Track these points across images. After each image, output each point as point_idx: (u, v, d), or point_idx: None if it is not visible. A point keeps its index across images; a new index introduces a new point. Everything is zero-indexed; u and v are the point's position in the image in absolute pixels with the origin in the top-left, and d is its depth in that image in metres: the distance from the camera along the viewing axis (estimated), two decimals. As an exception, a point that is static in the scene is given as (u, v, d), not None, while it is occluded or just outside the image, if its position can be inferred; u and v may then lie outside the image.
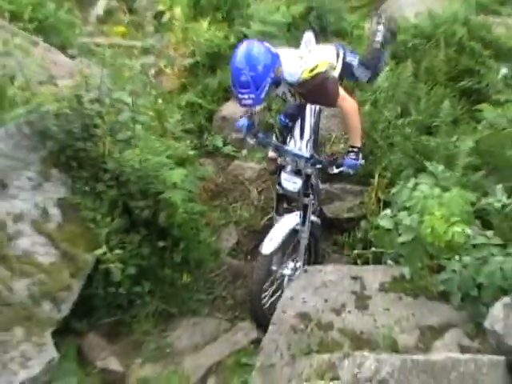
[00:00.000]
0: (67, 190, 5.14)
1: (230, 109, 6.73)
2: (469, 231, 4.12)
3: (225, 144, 6.64)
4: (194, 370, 4.92)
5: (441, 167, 4.44)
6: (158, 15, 7.99)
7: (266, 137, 5.37)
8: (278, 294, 5.25)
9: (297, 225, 5.23)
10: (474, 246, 4.31)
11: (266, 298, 5.24)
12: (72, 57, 6.82)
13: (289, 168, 5.30)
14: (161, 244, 5.30)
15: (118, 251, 4.93)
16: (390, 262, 4.85)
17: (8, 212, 4.80)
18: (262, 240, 5.85)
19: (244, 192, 6.37)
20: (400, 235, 4.35)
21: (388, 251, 4.86)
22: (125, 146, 5.18)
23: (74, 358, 4.86)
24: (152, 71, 7.43)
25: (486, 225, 4.82)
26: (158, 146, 5.28)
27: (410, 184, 4.34)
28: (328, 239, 5.89)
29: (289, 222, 5.20)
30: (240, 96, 4.64)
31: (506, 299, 3.44)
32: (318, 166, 5.20)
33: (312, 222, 5.31)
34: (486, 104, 5.69)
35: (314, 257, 5.52)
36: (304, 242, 5.39)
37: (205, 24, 7.23)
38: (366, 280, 4.66)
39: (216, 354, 5.05)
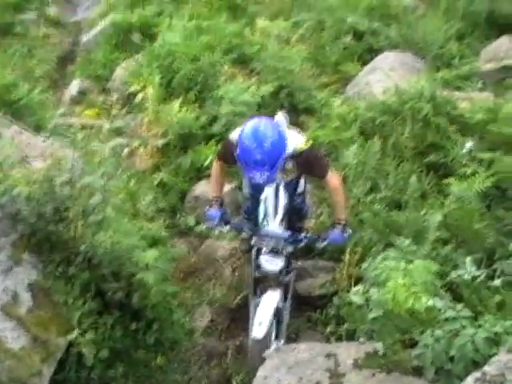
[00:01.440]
0: (38, 274, 5.15)
1: (203, 188, 6.84)
2: (431, 302, 4.23)
3: (197, 223, 6.72)
4: None
5: (407, 241, 4.55)
6: (131, 96, 8.15)
7: (238, 223, 5.51)
8: None
9: (279, 303, 5.27)
10: (446, 319, 4.39)
11: None
12: (45, 138, 6.93)
13: (266, 249, 5.32)
14: (134, 326, 5.30)
15: (90, 334, 4.94)
16: (362, 338, 4.92)
17: (-14, 294, 4.81)
18: (235, 319, 5.96)
19: (217, 271, 6.42)
20: (371, 311, 4.44)
21: (361, 327, 4.92)
22: (97, 229, 5.23)
23: None
24: (125, 151, 7.58)
25: (457, 297, 4.96)
26: (130, 227, 5.36)
27: (378, 259, 4.45)
28: (301, 316, 5.92)
29: (271, 301, 5.21)
30: (254, 172, 4.75)
31: (476, 373, 3.50)
32: (302, 243, 5.33)
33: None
34: (452, 178, 5.86)
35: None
36: (286, 319, 5.47)
37: (176, 105, 7.40)
38: (340, 357, 4.69)
39: None
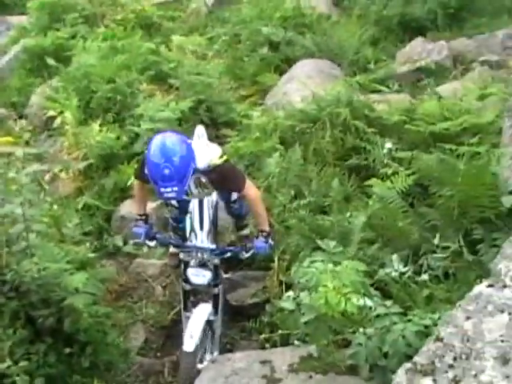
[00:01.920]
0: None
1: (128, 208, 6.80)
2: (362, 301, 4.30)
3: (125, 243, 6.68)
4: None
5: (332, 243, 4.63)
6: (49, 121, 8.07)
7: (164, 237, 5.52)
8: None
9: (209, 315, 5.29)
10: (376, 316, 4.48)
11: None
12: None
13: (193, 262, 5.35)
14: (67, 351, 5.23)
15: (22, 363, 4.83)
16: (296, 342, 4.98)
17: None
18: (170, 336, 5.94)
19: (148, 289, 6.39)
20: (303, 315, 4.49)
21: (294, 332, 4.98)
22: (22, 257, 5.16)
23: None
24: (47, 177, 7.50)
25: (387, 295, 5.06)
26: (56, 252, 5.29)
27: (306, 263, 4.51)
28: (235, 327, 5.95)
29: (202, 314, 5.22)
30: (162, 190, 4.66)
31: (407, 364, 3.56)
32: (227, 254, 5.35)
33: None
34: (374, 179, 5.99)
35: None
36: (218, 331, 5.50)
37: (96, 126, 7.37)
38: (276, 363, 4.74)
39: None
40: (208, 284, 5.33)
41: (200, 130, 6.56)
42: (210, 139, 7.44)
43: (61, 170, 7.35)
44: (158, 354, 5.97)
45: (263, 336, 5.46)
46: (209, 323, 5.30)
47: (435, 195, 5.67)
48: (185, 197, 5.13)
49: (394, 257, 5.14)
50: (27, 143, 8.42)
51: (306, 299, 4.39)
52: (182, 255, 5.41)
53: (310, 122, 6.85)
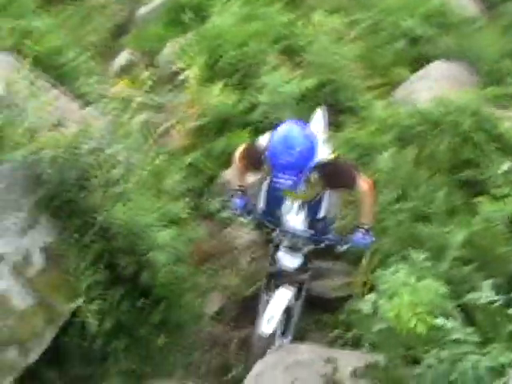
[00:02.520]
0: (54, 238, 5.11)
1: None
2: (439, 321, 4.07)
3: (221, 209, 6.59)
4: None
5: (422, 256, 4.36)
6: (176, 73, 8.04)
7: (261, 214, 5.37)
8: None
9: (290, 301, 5.15)
10: (453, 341, 4.21)
11: None
12: (85, 105, 6.88)
13: (285, 245, 5.21)
14: (141, 302, 5.24)
15: (95, 305, 4.87)
16: (367, 347, 4.75)
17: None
18: (245, 310, 5.83)
19: (233, 259, 6.29)
20: (377, 322, 4.28)
21: (366, 336, 4.76)
22: (115, 202, 5.16)
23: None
24: (161, 128, 7.49)
25: (470, 321, 4.75)
26: (149, 204, 5.26)
27: (392, 269, 4.28)
28: (311, 317, 5.76)
29: (283, 298, 5.10)
30: (281, 176, 4.69)
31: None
32: (324, 243, 5.20)
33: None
34: (484, 197, 5.64)
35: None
36: (296, 318, 5.34)
37: (218, 87, 7.28)
38: (340, 364, 4.56)
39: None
40: (296, 269, 5.19)
41: (320, 112, 6.35)
42: (330, 122, 7.34)
43: (176, 124, 7.31)
44: (230, 325, 5.89)
45: (336, 333, 5.26)
46: (288, 308, 5.17)
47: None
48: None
49: (487, 282, 4.76)
50: (151, 92, 8.52)
51: (383, 307, 4.18)
52: (274, 236, 5.28)
53: (431, 125, 6.51)
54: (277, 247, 5.25)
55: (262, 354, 4.88)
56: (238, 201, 5.28)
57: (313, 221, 5.38)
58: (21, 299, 4.73)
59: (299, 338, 5.58)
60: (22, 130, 5.25)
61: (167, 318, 5.44)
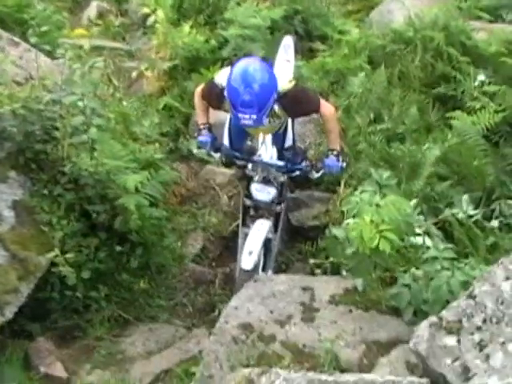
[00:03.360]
0: (24, 193, 5.00)
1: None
2: (411, 240, 4.04)
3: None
4: (142, 377, 4.74)
5: (386, 174, 4.18)
6: (145, 18, 7.80)
7: (229, 149, 5.18)
8: None
9: (268, 233, 5.01)
10: (427, 259, 4.07)
11: None
12: (55, 58, 6.69)
13: (258, 178, 5.05)
14: (118, 249, 5.14)
15: (71, 255, 4.75)
16: (345, 273, 4.62)
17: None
18: (228, 247, 5.71)
19: (214, 197, 6.16)
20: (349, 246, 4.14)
21: (343, 262, 4.63)
22: (81, 150, 5.01)
23: (18, 363, 4.70)
24: (133, 74, 7.30)
25: (450, 236, 4.61)
26: (117, 149, 5.09)
27: (357, 192, 4.12)
28: (293, 247, 5.66)
29: (261, 231, 4.93)
30: (240, 115, 4.44)
31: (432, 318, 3.17)
32: (295, 173, 5.04)
33: None
34: (459, 111, 5.42)
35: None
36: (275, 250, 5.23)
37: (186, 27, 7.03)
38: (317, 291, 4.43)
39: (166, 361, 4.87)
40: (271, 201, 5.04)
41: (287, 41, 6.13)
42: (302, 51, 7.11)
43: (147, 69, 7.10)
44: (213, 264, 5.80)
45: (313, 261, 5.13)
46: (266, 241, 5.02)
47: (525, 136, 5.14)
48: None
49: (465, 197, 4.61)
50: (123, 39, 8.31)
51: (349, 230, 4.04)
52: (247, 169, 5.12)
53: (402, 44, 6.26)
54: (250, 181, 5.09)
55: None
56: (204, 138, 5.08)
57: (281, 151, 5.22)
58: (1, 254, 4.65)
59: (284, 269, 5.52)
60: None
61: (147, 261, 5.37)
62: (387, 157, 5.29)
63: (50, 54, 6.58)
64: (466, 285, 3.71)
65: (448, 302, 3.62)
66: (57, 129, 5.03)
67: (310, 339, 4.08)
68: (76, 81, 4.93)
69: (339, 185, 5.59)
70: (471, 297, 3.09)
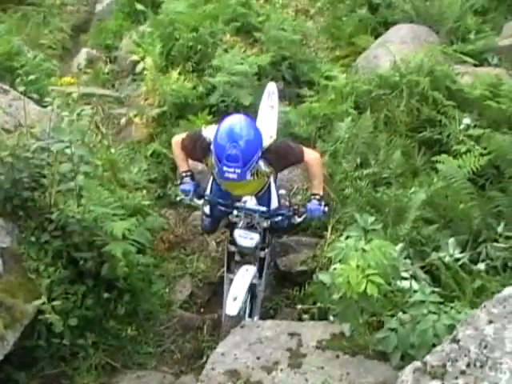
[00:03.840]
0: (12, 240, 5.01)
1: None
2: (397, 284, 4.06)
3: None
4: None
5: (371, 219, 4.22)
6: (134, 65, 7.91)
7: (213, 196, 5.26)
8: None
9: (253, 278, 5.04)
10: (413, 303, 4.09)
11: None
12: (44, 106, 6.77)
13: (242, 224, 5.10)
14: (106, 296, 5.14)
15: (58, 302, 4.74)
16: (332, 318, 4.63)
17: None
18: (216, 293, 5.72)
19: (202, 243, 6.20)
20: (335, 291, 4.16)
21: (331, 307, 4.64)
22: (68, 197, 5.05)
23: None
24: (123, 120, 7.38)
25: (437, 280, 4.64)
26: (105, 196, 5.13)
27: (342, 237, 4.15)
28: (281, 293, 5.67)
29: (246, 276, 4.97)
30: (225, 169, 4.52)
31: (416, 363, 3.18)
32: (278, 218, 5.09)
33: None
34: (444, 155, 5.49)
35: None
36: (261, 295, 5.24)
37: (174, 74, 7.12)
38: (304, 337, 4.43)
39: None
40: (255, 247, 5.06)
41: (271, 87, 6.23)
42: (289, 97, 7.21)
43: (135, 115, 7.18)
44: (201, 310, 5.78)
45: (301, 306, 5.13)
46: (252, 286, 5.05)
47: (510, 179, 5.18)
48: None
49: (451, 240, 4.63)
50: (113, 86, 8.41)
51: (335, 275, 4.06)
52: (230, 216, 5.15)
53: (389, 89, 6.36)
54: (234, 227, 5.12)
55: None
56: (186, 187, 5.13)
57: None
58: (-13, 302, 4.64)
59: (272, 314, 5.52)
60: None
61: (135, 308, 5.36)
62: (374, 201, 5.34)
63: (39, 102, 6.68)
64: (451, 328, 3.71)
65: (434, 346, 3.63)
66: (44, 176, 5.08)
67: (300, 385, 4.09)
68: (64, 128, 4.97)
69: (326, 230, 5.62)
70: (455, 341, 3.10)
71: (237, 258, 5.23)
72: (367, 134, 6.01)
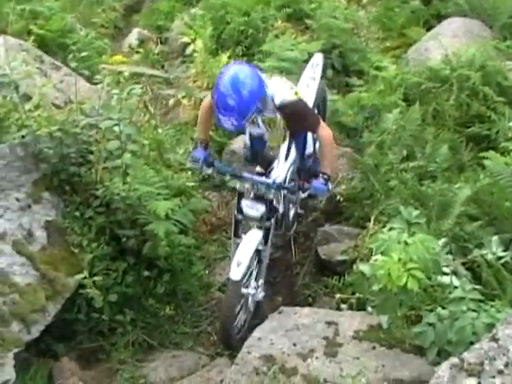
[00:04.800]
0: (57, 214, 5.11)
1: (240, 143, 6.54)
2: (438, 279, 4.02)
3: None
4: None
5: (415, 212, 4.17)
6: (184, 46, 7.94)
7: (223, 165, 5.33)
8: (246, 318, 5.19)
9: (259, 245, 5.01)
10: (453, 299, 4.05)
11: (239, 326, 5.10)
12: (94, 83, 6.84)
13: (249, 194, 5.06)
14: (146, 274, 5.20)
15: (99, 277, 4.85)
16: (370, 309, 4.61)
17: (3, 228, 4.76)
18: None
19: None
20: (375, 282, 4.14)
21: (370, 298, 4.62)
22: (114, 174, 5.10)
23: (42, 381, 4.74)
24: (171, 102, 7.41)
25: (478, 277, 4.58)
26: (150, 175, 5.17)
27: (385, 229, 4.12)
28: (320, 281, 5.63)
29: (251, 242, 4.95)
30: (221, 116, 4.56)
31: (453, 359, 3.15)
32: (283, 191, 5.14)
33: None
34: (492, 151, 5.40)
35: None
36: (266, 260, 5.19)
37: (224, 58, 7.13)
38: (341, 326, 4.43)
39: (189, 388, 4.89)
40: (261, 217, 5.02)
41: (317, 59, 6.14)
42: (338, 86, 7.17)
43: (184, 97, 7.20)
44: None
45: (339, 296, 5.11)
46: (257, 252, 5.04)
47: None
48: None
49: (494, 238, 4.56)
50: (162, 67, 8.45)
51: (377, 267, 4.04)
52: (237, 186, 5.13)
53: (439, 82, 6.28)
54: (241, 196, 5.10)
55: (235, 299, 4.86)
56: (198, 154, 5.14)
57: (303, 156, 5.34)
58: (22, 275, 4.71)
59: (310, 302, 5.51)
60: (25, 109, 5.24)
61: (174, 288, 5.40)
62: (418, 195, 5.26)
63: (90, 79, 6.76)
64: (490, 327, 3.68)
65: (472, 344, 3.60)
66: (91, 152, 5.17)
67: (331, 374, 4.07)
68: (113, 106, 5.03)
69: (369, 220, 5.57)
70: (494, 339, 3.07)
71: (243, 224, 5.20)
72: (415, 127, 5.93)
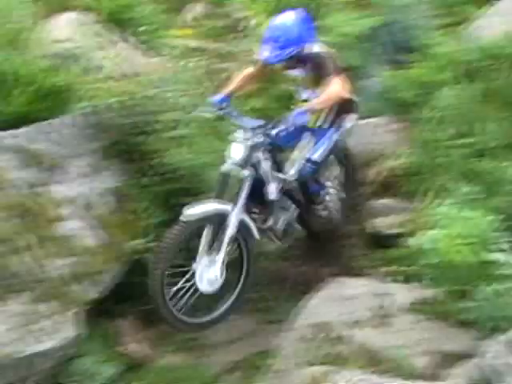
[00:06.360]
0: (122, 181, 5.12)
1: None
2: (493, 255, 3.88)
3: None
4: (222, 364, 4.84)
5: (472, 188, 4.07)
6: (246, 21, 7.82)
7: (231, 110, 5.16)
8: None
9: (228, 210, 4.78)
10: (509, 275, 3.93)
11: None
12: (158, 55, 6.80)
13: (237, 138, 4.91)
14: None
15: (155, 244, 4.81)
16: (422, 282, 4.51)
17: (64, 195, 4.81)
18: (311, 248, 5.67)
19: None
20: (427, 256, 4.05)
21: (419, 271, 4.52)
22: (178, 145, 5.09)
23: (104, 339, 4.81)
24: (225, 75, 7.31)
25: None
26: (207, 146, 5.14)
27: (445, 203, 4.04)
28: (367, 254, 5.53)
29: (223, 203, 4.79)
30: (263, 45, 4.89)
31: (501, 336, 3.07)
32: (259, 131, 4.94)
33: (246, 227, 4.91)
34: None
35: (245, 275, 5.08)
36: (230, 230, 4.78)
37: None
38: (393, 298, 4.40)
39: (246, 351, 4.94)
40: (237, 163, 4.82)
41: None
42: (393, 61, 6.98)
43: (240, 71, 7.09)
44: (299, 261, 5.66)
45: (386, 269, 5.02)
46: (223, 218, 4.78)
47: None
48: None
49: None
50: (224, 41, 8.33)
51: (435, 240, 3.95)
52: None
53: (494, 60, 6.03)
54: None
55: (174, 245, 4.66)
56: (216, 97, 5.14)
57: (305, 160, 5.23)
58: (90, 238, 4.77)
59: (359, 274, 5.43)
60: (93, 80, 5.24)
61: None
62: (469, 172, 5.13)
63: (153, 52, 6.70)
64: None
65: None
66: (156, 122, 5.11)
67: (381, 344, 4.03)
68: (174, 78, 5.01)
69: (415, 196, 5.47)
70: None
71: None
72: (468, 104, 5.75)
